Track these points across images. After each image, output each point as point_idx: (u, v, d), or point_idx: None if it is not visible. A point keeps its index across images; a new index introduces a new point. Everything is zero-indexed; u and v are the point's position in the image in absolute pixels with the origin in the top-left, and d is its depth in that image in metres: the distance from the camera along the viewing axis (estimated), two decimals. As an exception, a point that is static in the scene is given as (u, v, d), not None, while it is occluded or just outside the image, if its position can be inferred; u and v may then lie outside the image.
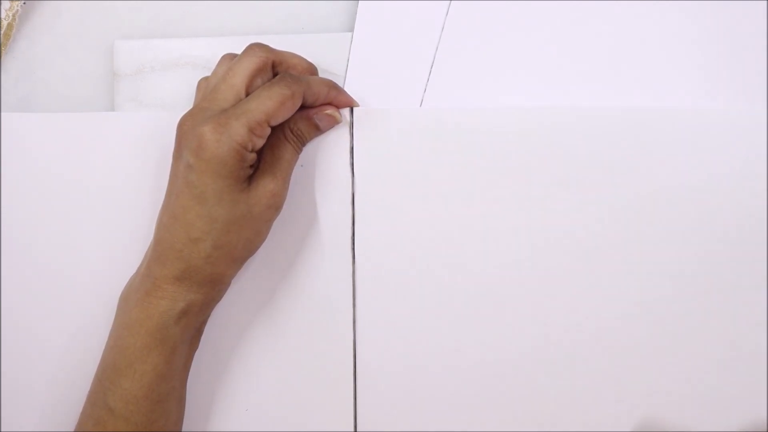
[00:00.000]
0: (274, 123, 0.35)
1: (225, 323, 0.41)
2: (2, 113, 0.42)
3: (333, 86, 0.39)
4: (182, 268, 0.35)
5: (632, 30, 0.41)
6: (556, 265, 0.40)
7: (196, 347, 0.38)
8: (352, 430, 0.40)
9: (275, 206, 0.37)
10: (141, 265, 0.38)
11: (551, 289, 0.40)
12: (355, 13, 0.42)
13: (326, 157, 0.41)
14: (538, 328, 0.40)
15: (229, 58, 0.38)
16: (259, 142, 0.35)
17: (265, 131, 0.35)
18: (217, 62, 0.39)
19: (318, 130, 0.40)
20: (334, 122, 0.40)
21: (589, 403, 0.39)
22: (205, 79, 0.39)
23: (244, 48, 0.37)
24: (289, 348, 0.41)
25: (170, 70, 0.43)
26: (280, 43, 0.42)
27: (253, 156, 0.35)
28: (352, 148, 0.40)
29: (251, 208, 0.35)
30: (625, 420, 0.39)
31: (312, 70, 0.40)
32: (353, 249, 0.40)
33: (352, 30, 0.42)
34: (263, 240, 0.38)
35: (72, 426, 0.37)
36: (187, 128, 0.35)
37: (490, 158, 0.40)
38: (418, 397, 0.40)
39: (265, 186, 0.36)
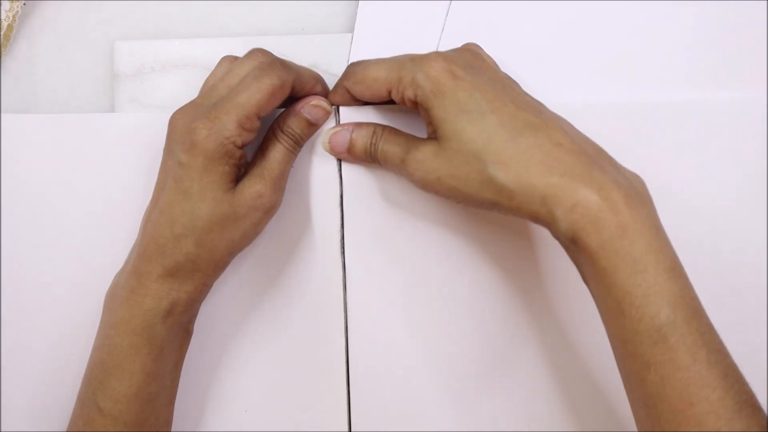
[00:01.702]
0: (264, 114, 0.35)
1: (219, 325, 0.41)
2: (2, 114, 0.42)
3: (320, 80, 0.39)
4: (166, 264, 0.34)
5: (632, 30, 0.41)
6: (551, 264, 0.40)
7: (187, 346, 0.38)
8: (347, 430, 0.40)
9: (262, 208, 0.36)
10: (127, 262, 0.37)
11: (547, 288, 0.40)
12: (355, 14, 0.42)
13: (314, 159, 0.40)
14: (532, 329, 0.40)
15: (229, 60, 0.38)
16: (249, 137, 0.35)
17: (255, 124, 0.35)
18: (216, 62, 0.39)
19: (310, 125, 0.39)
20: (324, 113, 0.39)
21: (587, 403, 0.39)
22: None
23: (246, 51, 0.37)
24: (283, 349, 0.41)
25: (170, 70, 0.43)
26: (280, 43, 0.42)
27: (241, 153, 0.35)
28: None
29: (235, 209, 0.35)
30: (624, 420, 0.39)
31: (320, 82, 0.39)
32: (343, 251, 0.40)
33: (352, 31, 0.42)
34: (249, 243, 0.37)
35: (65, 426, 0.37)
36: (178, 124, 0.35)
37: None
38: (411, 398, 0.40)
39: (251, 187, 0.35)
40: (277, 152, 0.37)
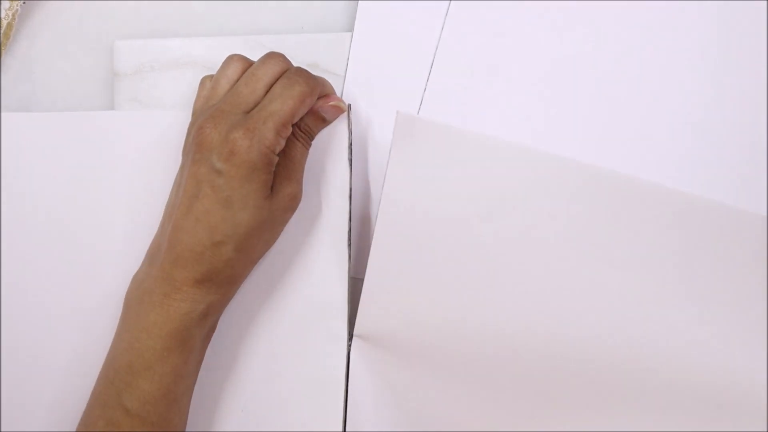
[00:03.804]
0: (296, 120, 0.36)
1: (220, 322, 0.41)
2: (2, 113, 0.42)
3: (332, 87, 0.40)
4: (203, 271, 0.35)
5: (634, 31, 0.41)
6: (556, 269, 0.40)
7: (208, 343, 0.39)
8: (341, 430, 0.40)
9: (293, 208, 0.38)
10: (149, 265, 0.37)
11: (555, 297, 0.39)
12: (355, 13, 0.42)
13: (324, 151, 0.41)
14: (539, 335, 0.39)
15: (238, 60, 0.38)
16: (283, 143, 0.36)
17: (289, 131, 0.36)
18: (217, 62, 0.39)
19: (324, 122, 0.40)
20: (339, 112, 0.40)
21: (587, 404, 0.39)
22: (209, 77, 0.39)
23: (246, 50, 0.37)
24: (284, 345, 0.40)
25: (170, 70, 0.43)
26: (280, 43, 0.42)
27: (277, 159, 0.36)
28: (350, 144, 0.41)
29: (273, 213, 0.36)
30: (624, 420, 0.39)
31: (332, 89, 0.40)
32: (349, 246, 0.40)
33: (352, 30, 0.42)
34: (277, 238, 0.39)
35: (69, 425, 0.37)
36: (211, 132, 0.35)
37: (485, 164, 0.40)
38: (414, 396, 0.40)
39: (284, 190, 0.37)
40: (297, 151, 0.38)
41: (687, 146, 0.41)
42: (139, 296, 0.36)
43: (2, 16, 0.43)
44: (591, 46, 0.41)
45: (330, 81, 0.40)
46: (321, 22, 0.44)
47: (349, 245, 0.40)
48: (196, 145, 0.35)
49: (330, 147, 0.40)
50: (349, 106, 0.40)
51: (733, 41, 0.41)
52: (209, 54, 0.42)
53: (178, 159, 0.40)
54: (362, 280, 0.41)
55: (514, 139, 0.40)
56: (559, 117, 0.41)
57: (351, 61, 0.42)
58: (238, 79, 0.38)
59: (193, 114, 0.39)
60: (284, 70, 0.37)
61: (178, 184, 0.37)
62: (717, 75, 0.41)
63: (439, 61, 0.42)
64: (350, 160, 0.41)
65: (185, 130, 0.41)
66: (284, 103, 0.35)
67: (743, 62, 0.41)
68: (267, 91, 0.36)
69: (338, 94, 0.42)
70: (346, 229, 0.40)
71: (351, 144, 0.41)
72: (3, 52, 0.44)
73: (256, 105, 0.36)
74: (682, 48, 0.41)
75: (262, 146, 0.34)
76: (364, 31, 0.42)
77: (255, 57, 0.38)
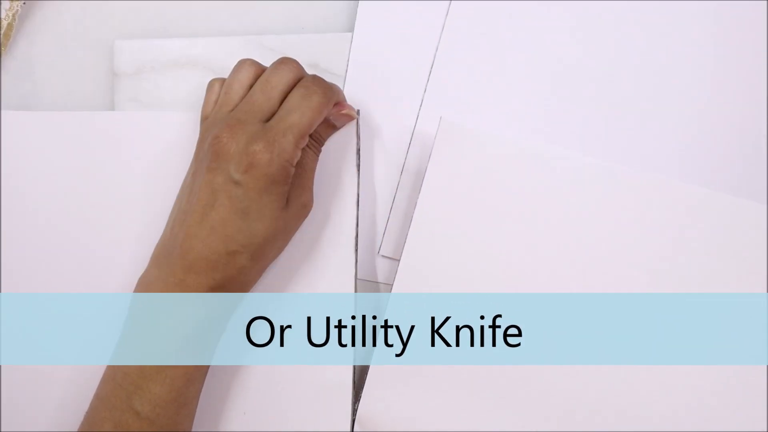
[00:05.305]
0: (312, 131, 0.36)
1: (228, 325, 0.40)
2: (2, 111, 0.42)
3: (344, 95, 0.40)
4: (218, 278, 0.35)
5: (635, 30, 0.41)
6: (569, 283, 0.40)
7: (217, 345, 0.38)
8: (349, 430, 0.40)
9: (305, 215, 0.38)
10: (157, 268, 0.37)
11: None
12: (355, 14, 0.42)
13: (333, 156, 0.41)
14: (550, 342, 0.39)
15: (250, 65, 0.38)
16: (300, 155, 0.36)
17: (306, 142, 0.36)
18: (217, 62, 0.39)
19: (334, 129, 0.40)
20: (350, 120, 0.40)
21: (588, 405, 0.39)
22: (218, 81, 0.39)
23: (247, 50, 0.37)
24: (287, 348, 0.40)
25: (170, 70, 0.43)
26: (280, 43, 0.42)
27: (293, 171, 0.36)
28: (358, 150, 0.41)
29: (287, 223, 0.37)
30: (625, 420, 0.39)
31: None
32: (356, 250, 0.40)
33: (352, 30, 0.42)
34: (287, 244, 0.39)
35: (71, 426, 0.37)
36: (228, 142, 0.35)
37: (525, 175, 0.40)
38: (419, 405, 0.40)
39: (298, 199, 0.37)
40: (309, 159, 0.38)
41: (687, 143, 0.41)
42: (149, 301, 0.36)
43: (2, 16, 0.43)
44: (591, 45, 0.41)
45: (330, 81, 0.40)
46: (321, 22, 0.44)
47: (356, 249, 0.40)
48: (213, 153, 0.35)
49: (338, 152, 0.40)
50: (358, 111, 0.41)
51: (731, 40, 0.41)
52: (209, 54, 0.42)
53: (179, 159, 0.40)
54: (368, 281, 0.41)
55: (525, 139, 0.40)
56: (559, 116, 0.41)
57: (351, 61, 0.42)
58: (250, 85, 0.38)
59: (204, 119, 0.39)
60: (298, 77, 0.37)
61: (189, 190, 0.37)
62: (717, 74, 0.41)
63: (439, 61, 0.42)
64: (358, 166, 0.41)
65: (186, 130, 0.41)
66: (303, 115, 0.35)
67: (742, 61, 0.41)
68: (282, 99, 0.36)
69: (338, 94, 0.42)
70: (354, 233, 0.40)
71: (359, 149, 0.41)
72: (3, 52, 0.44)
73: (271, 113, 0.36)
74: (682, 46, 0.41)
75: (282, 159, 0.34)
76: (364, 31, 0.42)
77: (256, 57, 0.38)
